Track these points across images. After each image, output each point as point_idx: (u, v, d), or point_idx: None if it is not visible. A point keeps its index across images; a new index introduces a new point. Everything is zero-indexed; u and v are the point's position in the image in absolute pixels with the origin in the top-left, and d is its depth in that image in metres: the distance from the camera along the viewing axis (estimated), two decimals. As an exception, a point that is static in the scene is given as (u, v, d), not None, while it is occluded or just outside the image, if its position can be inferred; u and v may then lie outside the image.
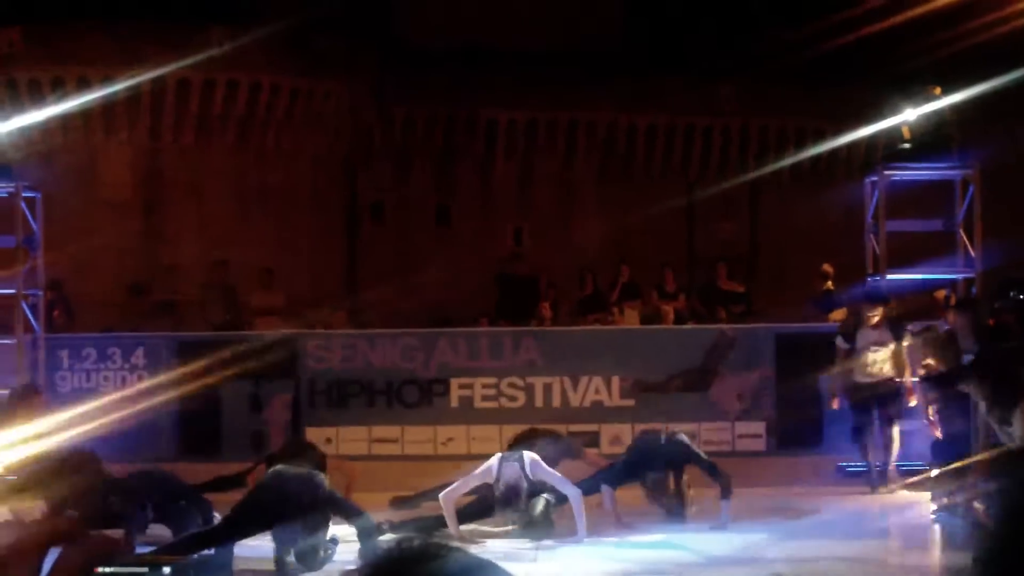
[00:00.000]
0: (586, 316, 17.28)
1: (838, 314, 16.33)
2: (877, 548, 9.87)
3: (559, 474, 10.30)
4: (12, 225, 13.56)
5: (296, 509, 8.57)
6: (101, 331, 16.33)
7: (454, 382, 14.36)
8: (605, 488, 11.01)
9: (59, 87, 21.45)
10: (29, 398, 11.30)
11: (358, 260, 25.04)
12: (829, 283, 17.29)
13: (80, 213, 21.07)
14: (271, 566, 8.76)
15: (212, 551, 8.62)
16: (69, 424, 12.26)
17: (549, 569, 9.00)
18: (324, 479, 8.94)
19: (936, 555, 10.01)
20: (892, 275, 13.76)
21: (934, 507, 10.78)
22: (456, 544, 1.51)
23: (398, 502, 10.91)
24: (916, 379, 12.16)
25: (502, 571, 1.49)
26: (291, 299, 18.45)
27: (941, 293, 15.40)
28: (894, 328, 12.80)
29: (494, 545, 9.90)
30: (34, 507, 9.38)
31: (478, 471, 10.21)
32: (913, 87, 14.23)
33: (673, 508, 10.98)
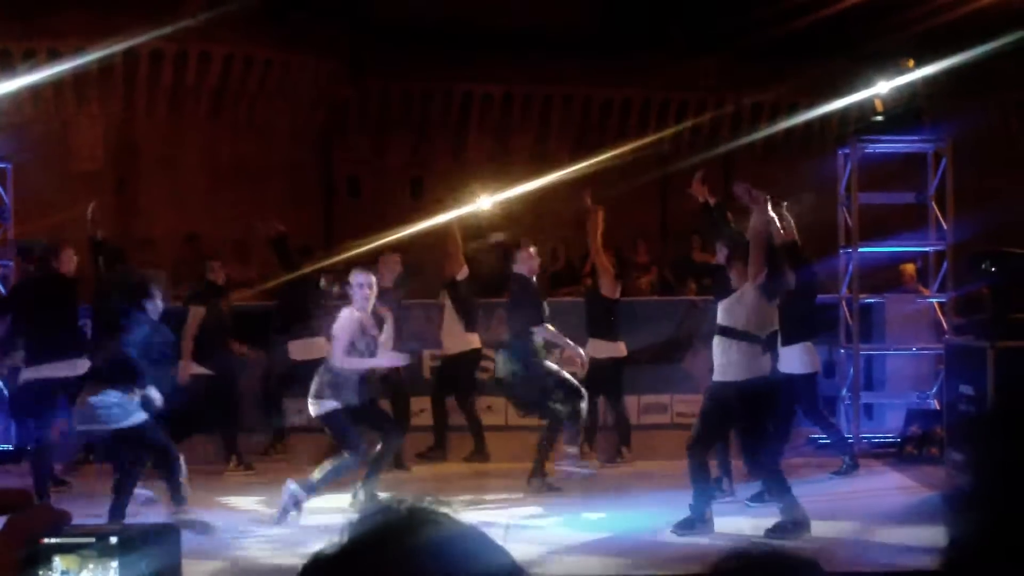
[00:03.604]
0: (558, 289, 17.26)
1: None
2: (858, 521, 9.84)
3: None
4: (-18, 196, 13.49)
5: None
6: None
7: (426, 353, 14.35)
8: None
9: (30, 58, 21.26)
10: None
11: (334, 233, 24.95)
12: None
13: (52, 185, 20.90)
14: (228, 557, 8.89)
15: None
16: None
17: (519, 546, 8.89)
18: None
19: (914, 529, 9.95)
20: (864, 247, 13.82)
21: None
22: (446, 509, 1.39)
23: None
24: None
25: (490, 540, 1.38)
26: (265, 272, 18.37)
27: (912, 266, 15.45)
28: None
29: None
30: None
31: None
32: (885, 60, 14.26)
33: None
